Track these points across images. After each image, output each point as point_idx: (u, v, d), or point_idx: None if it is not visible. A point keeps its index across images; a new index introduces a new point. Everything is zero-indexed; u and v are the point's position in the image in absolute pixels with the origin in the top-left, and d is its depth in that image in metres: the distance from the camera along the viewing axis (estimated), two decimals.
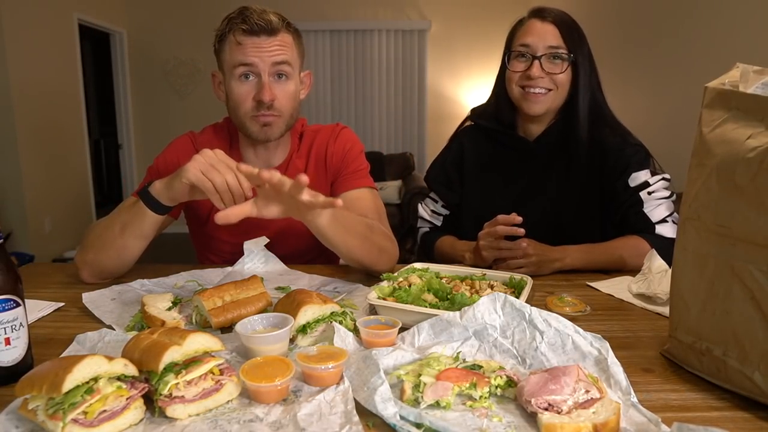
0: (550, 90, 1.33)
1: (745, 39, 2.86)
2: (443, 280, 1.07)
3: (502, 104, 1.42)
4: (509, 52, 1.37)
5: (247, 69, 1.20)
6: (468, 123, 1.54)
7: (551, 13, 1.33)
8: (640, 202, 1.32)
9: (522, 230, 1.18)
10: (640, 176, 1.33)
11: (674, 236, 1.27)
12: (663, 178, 1.34)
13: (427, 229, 1.59)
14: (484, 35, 5.66)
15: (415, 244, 1.63)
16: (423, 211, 1.59)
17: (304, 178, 0.91)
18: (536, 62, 1.30)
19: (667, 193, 1.33)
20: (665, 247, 1.22)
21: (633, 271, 1.24)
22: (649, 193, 1.32)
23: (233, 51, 1.20)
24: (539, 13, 1.34)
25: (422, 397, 0.66)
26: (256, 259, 1.28)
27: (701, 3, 3.25)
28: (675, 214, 1.32)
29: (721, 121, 0.72)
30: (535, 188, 1.42)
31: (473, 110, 1.53)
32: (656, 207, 1.31)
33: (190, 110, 5.93)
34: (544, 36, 1.30)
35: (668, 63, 3.52)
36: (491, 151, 1.48)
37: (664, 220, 1.31)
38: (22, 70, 4.28)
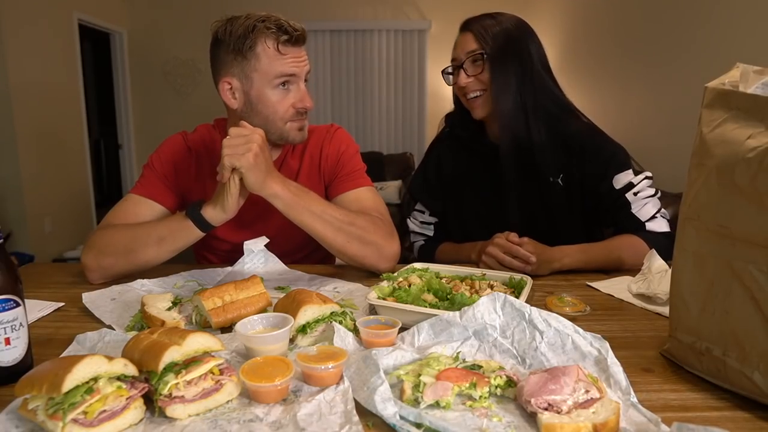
0: (484, 90, 1.36)
1: (745, 39, 2.86)
2: (443, 280, 1.08)
3: (466, 112, 1.45)
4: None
5: (289, 78, 1.22)
6: (443, 129, 1.57)
7: (473, 24, 1.36)
8: (628, 204, 1.32)
9: (532, 255, 1.20)
10: (623, 178, 1.33)
11: (667, 229, 1.29)
12: (646, 177, 1.34)
13: (422, 242, 1.59)
14: None
15: (413, 243, 1.63)
16: (412, 224, 1.61)
17: None
18: (461, 71, 1.37)
19: (652, 191, 1.33)
20: (661, 242, 1.24)
21: (631, 270, 1.24)
22: (635, 194, 1.32)
23: (274, 60, 1.20)
24: (463, 27, 1.39)
25: (422, 397, 0.66)
26: (256, 259, 1.28)
27: (701, 3, 3.25)
28: (663, 209, 1.33)
29: (721, 121, 0.72)
30: (504, 194, 1.42)
31: (447, 116, 1.56)
32: (644, 206, 1.32)
33: (190, 110, 5.93)
34: (464, 45, 1.36)
35: (668, 63, 3.52)
36: (466, 160, 1.51)
37: (653, 217, 1.31)
38: (22, 70, 4.28)
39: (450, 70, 1.41)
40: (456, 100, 1.49)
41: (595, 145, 1.36)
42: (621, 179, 1.33)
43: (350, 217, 1.18)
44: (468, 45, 1.35)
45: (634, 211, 1.31)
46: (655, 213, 1.31)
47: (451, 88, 1.46)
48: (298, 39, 1.21)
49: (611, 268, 1.28)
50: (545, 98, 1.35)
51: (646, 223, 1.31)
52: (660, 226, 1.31)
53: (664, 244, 1.21)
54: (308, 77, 1.28)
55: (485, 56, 1.33)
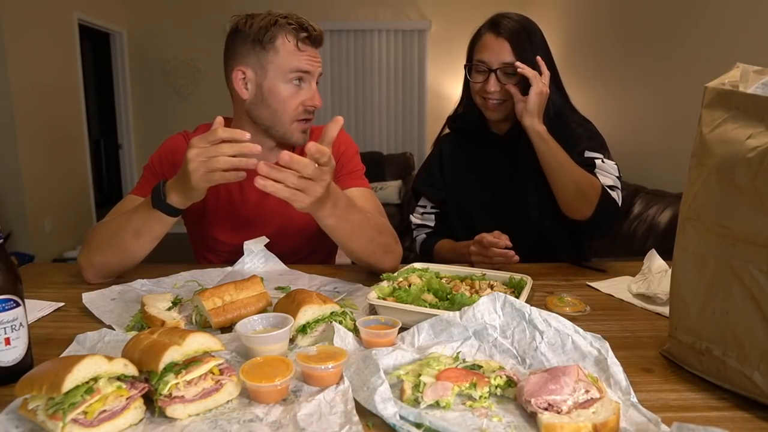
0: (505, 100, 1.39)
1: (745, 39, 2.85)
2: (443, 280, 1.08)
3: (471, 108, 1.49)
4: (470, 65, 1.43)
5: (303, 75, 1.23)
6: (446, 131, 1.61)
7: (505, 27, 1.37)
8: (593, 165, 1.35)
9: (514, 256, 1.23)
10: (595, 154, 1.37)
11: (619, 203, 1.32)
12: (616, 164, 1.38)
13: (424, 236, 1.61)
14: None
15: (413, 242, 1.64)
16: (415, 218, 1.64)
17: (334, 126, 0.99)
18: (492, 76, 1.37)
19: (617, 174, 1.36)
20: (610, 205, 1.28)
21: (578, 202, 1.30)
22: (603, 162, 1.36)
23: (292, 55, 1.21)
24: (494, 27, 1.39)
25: (422, 397, 0.66)
26: (256, 259, 1.28)
27: (701, 3, 3.25)
28: (620, 192, 1.35)
29: (721, 121, 0.72)
30: (509, 182, 1.47)
31: (449, 118, 1.60)
32: (606, 176, 1.34)
33: (190, 110, 5.92)
34: (498, 53, 1.36)
35: (668, 63, 3.52)
36: (467, 151, 1.55)
37: (611, 188, 1.33)
38: (22, 70, 4.28)
39: (481, 68, 1.39)
40: (466, 92, 1.50)
41: (581, 127, 1.43)
42: (593, 154, 1.37)
43: (377, 226, 1.18)
44: (504, 54, 1.35)
45: (597, 173, 1.34)
46: (613, 186, 1.34)
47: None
48: (316, 39, 1.24)
49: (566, 178, 1.29)
50: (559, 106, 1.41)
51: (605, 187, 1.32)
52: (615, 197, 1.32)
53: (610, 208, 1.28)
54: (319, 80, 1.29)
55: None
